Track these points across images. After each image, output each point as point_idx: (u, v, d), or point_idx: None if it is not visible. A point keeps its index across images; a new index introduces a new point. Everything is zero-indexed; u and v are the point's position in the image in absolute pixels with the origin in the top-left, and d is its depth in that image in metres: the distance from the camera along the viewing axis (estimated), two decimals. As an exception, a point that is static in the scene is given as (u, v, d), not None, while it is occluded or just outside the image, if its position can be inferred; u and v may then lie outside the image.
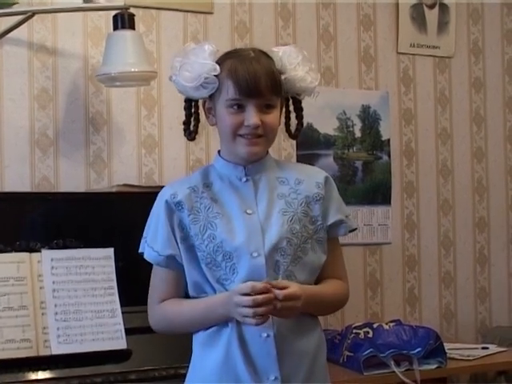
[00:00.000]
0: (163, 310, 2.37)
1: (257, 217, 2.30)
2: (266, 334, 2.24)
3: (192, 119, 2.41)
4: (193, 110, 2.41)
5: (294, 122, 2.44)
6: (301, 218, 2.31)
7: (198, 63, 2.30)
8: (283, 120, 2.40)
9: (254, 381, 2.24)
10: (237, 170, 2.34)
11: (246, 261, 2.26)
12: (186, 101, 2.42)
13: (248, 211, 2.31)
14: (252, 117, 2.25)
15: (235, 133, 2.28)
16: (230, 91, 2.27)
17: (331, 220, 2.35)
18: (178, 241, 2.32)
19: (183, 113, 3.47)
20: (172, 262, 2.34)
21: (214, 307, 2.26)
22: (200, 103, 2.40)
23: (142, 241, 2.40)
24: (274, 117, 2.29)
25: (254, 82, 2.26)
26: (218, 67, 2.28)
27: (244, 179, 2.34)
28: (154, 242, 2.35)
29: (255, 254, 2.26)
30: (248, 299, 2.14)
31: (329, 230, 2.36)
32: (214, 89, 2.30)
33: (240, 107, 2.27)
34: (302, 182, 2.35)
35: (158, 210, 2.36)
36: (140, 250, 2.40)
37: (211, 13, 3.61)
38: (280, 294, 2.15)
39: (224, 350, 2.27)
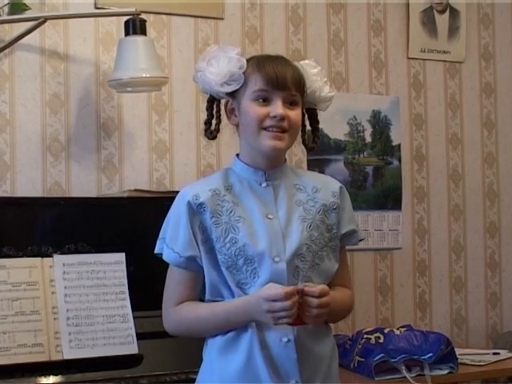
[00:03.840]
0: (179, 313, 2.36)
1: (278, 222, 2.31)
2: (286, 339, 2.24)
3: (214, 119, 2.42)
4: (215, 110, 2.41)
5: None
6: (318, 225, 2.33)
7: (226, 58, 2.31)
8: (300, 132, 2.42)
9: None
10: (257, 175, 2.35)
11: (267, 265, 2.26)
12: (208, 101, 2.42)
13: (269, 216, 2.31)
14: (278, 108, 2.26)
15: (260, 125, 2.28)
16: (258, 82, 2.28)
17: (345, 229, 2.37)
18: (199, 243, 2.31)
19: (194, 118, 3.53)
20: (192, 263, 2.32)
21: (236, 312, 2.26)
22: (222, 104, 2.40)
23: (159, 241, 2.39)
24: (298, 114, 2.31)
25: (282, 74, 2.28)
26: (245, 62, 2.31)
27: (264, 184, 2.35)
28: (175, 243, 2.33)
29: (277, 259, 2.26)
30: (283, 305, 2.13)
31: (342, 239, 2.38)
32: (239, 85, 2.31)
33: (265, 100, 2.28)
34: (318, 191, 2.37)
35: (178, 211, 2.34)
36: (157, 251, 2.40)
37: (222, 18, 3.62)
38: (315, 292, 2.16)
39: (245, 355, 2.27)
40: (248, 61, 2.34)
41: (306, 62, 2.41)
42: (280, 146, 2.30)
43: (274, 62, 2.33)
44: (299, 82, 2.31)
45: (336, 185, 2.41)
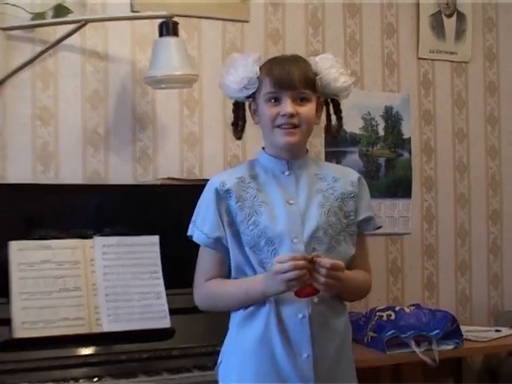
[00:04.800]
0: (208, 288, 2.40)
1: (297, 207, 2.33)
2: (301, 315, 2.26)
3: (239, 120, 2.47)
4: (240, 112, 2.46)
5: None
6: (336, 211, 2.34)
7: (242, 67, 2.36)
8: (324, 121, 2.44)
9: (288, 357, 2.26)
10: (280, 165, 2.38)
11: (286, 246, 2.28)
12: (234, 104, 2.46)
13: (290, 201, 2.34)
14: (287, 106, 2.29)
15: (273, 124, 2.32)
16: (267, 85, 2.32)
17: (362, 216, 2.38)
18: (225, 225, 2.35)
19: (222, 113, 3.56)
20: (219, 244, 2.37)
21: (254, 286, 2.28)
22: (246, 106, 2.44)
23: (191, 225, 2.43)
24: (309, 109, 2.32)
25: (288, 75, 2.31)
26: (257, 69, 2.34)
27: (287, 173, 2.38)
28: (203, 225, 2.38)
29: (295, 241, 2.29)
30: (290, 264, 2.14)
31: (359, 226, 2.39)
32: (255, 89, 2.35)
33: (276, 100, 2.32)
34: (338, 180, 2.38)
35: (207, 197, 2.39)
36: (189, 233, 2.43)
37: (247, 21, 3.63)
38: (327, 264, 2.16)
39: (262, 328, 2.29)
40: (263, 65, 2.37)
41: (322, 55, 2.41)
42: (293, 141, 2.33)
43: (283, 64, 2.35)
44: (308, 79, 2.32)
45: (355, 175, 2.43)
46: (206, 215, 2.39)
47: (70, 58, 3.32)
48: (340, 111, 2.45)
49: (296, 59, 2.40)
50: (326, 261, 2.17)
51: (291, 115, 2.29)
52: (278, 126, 2.32)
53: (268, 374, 2.29)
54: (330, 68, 2.37)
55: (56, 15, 3.22)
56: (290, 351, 2.27)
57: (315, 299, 2.26)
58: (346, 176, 2.41)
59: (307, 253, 2.25)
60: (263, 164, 2.41)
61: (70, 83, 3.32)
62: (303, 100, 2.32)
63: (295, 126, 2.31)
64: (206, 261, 2.42)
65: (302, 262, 2.15)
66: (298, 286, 2.19)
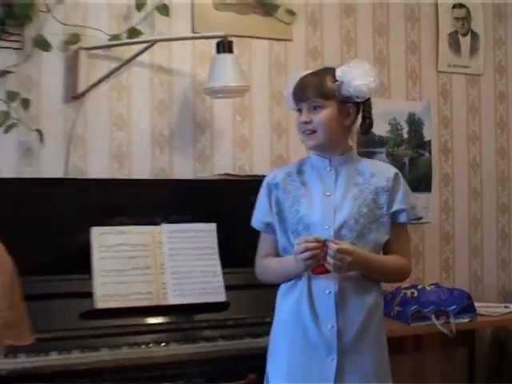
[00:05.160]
0: (263, 264, 2.45)
1: (333, 199, 2.32)
2: (328, 291, 2.26)
3: None
4: None
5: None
6: (369, 203, 2.31)
7: (290, 86, 2.40)
8: (359, 121, 2.41)
9: (315, 327, 2.26)
10: (324, 162, 2.38)
11: (319, 232, 2.27)
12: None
13: (327, 193, 2.33)
14: (302, 116, 2.33)
15: (300, 131, 2.35)
16: (293, 99, 2.37)
17: (395, 208, 2.32)
18: (274, 213, 2.38)
19: (269, 119, 3.60)
20: (269, 228, 2.41)
21: (289, 264, 2.30)
22: None
23: (253, 214, 2.47)
24: (322, 115, 2.29)
25: (301, 89, 2.33)
26: (291, 89, 2.38)
27: (328, 169, 2.37)
28: (258, 213, 2.43)
29: (326, 227, 2.28)
30: (303, 245, 2.18)
31: (392, 216, 2.34)
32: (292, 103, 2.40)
33: (300, 111, 2.34)
34: (374, 176, 2.35)
35: (262, 190, 2.43)
36: (252, 221, 2.47)
37: (290, 40, 3.61)
38: (333, 250, 2.16)
39: (295, 300, 2.31)
40: None
41: (350, 63, 2.34)
42: (312, 144, 2.34)
43: (301, 80, 2.37)
44: (320, 90, 2.29)
45: (391, 172, 2.37)
46: (260, 205, 2.44)
47: (140, 72, 3.33)
48: (368, 113, 2.40)
49: (315, 73, 2.40)
50: (333, 245, 2.17)
51: (305, 123, 2.31)
52: (303, 132, 2.34)
53: (298, 341, 2.30)
54: (349, 73, 2.31)
55: (129, 36, 3.25)
56: (317, 322, 2.27)
57: (330, 277, 2.25)
58: (382, 172, 2.37)
59: (336, 238, 2.24)
60: (312, 162, 2.42)
61: (141, 94, 3.33)
62: (316, 108, 2.30)
63: (312, 131, 2.32)
64: (262, 243, 2.46)
65: (312, 244, 2.17)
66: (312, 264, 2.20)
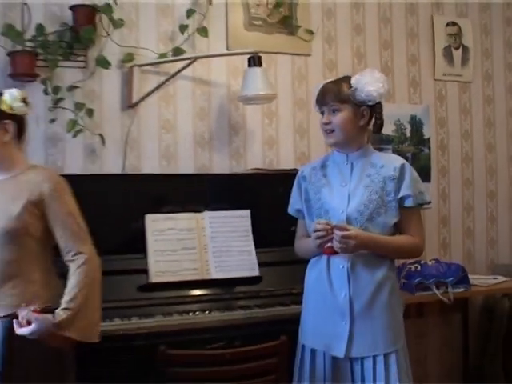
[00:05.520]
0: (298, 243, 2.48)
1: (347, 188, 2.33)
2: (342, 266, 2.28)
3: None
4: None
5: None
6: (378, 191, 2.29)
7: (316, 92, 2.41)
8: (372, 121, 2.38)
9: (332, 295, 2.29)
10: (342, 157, 2.38)
11: (336, 216, 2.29)
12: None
13: (343, 184, 2.35)
14: (323, 118, 2.33)
15: (322, 130, 2.35)
16: (316, 103, 2.38)
17: (401, 194, 2.28)
18: (303, 201, 2.42)
19: (292, 122, 3.58)
20: (300, 213, 2.45)
21: (310, 242, 2.32)
22: None
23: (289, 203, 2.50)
24: (339, 117, 2.29)
25: (322, 96, 2.34)
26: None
27: (346, 163, 2.37)
28: (292, 201, 2.47)
29: (341, 212, 2.29)
30: (315, 234, 2.23)
31: (400, 201, 2.29)
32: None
33: (322, 113, 2.35)
34: (384, 167, 2.32)
35: (295, 182, 2.47)
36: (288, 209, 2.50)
37: (310, 55, 3.60)
38: (338, 235, 2.18)
39: (318, 272, 2.34)
40: None
41: (364, 72, 2.33)
42: (331, 142, 2.34)
43: (322, 88, 2.37)
44: (337, 95, 2.29)
45: (398, 163, 2.31)
46: (292, 195, 2.48)
47: (184, 85, 3.34)
48: (379, 114, 2.37)
49: (334, 81, 2.39)
50: (338, 232, 2.18)
51: (326, 123, 2.32)
52: (324, 131, 2.35)
53: (320, 305, 2.33)
54: (361, 81, 2.30)
55: (174, 54, 3.26)
56: (333, 291, 2.29)
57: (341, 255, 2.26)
58: (391, 163, 2.32)
59: (349, 222, 2.25)
60: (333, 157, 2.42)
61: (184, 103, 3.34)
62: (335, 111, 2.30)
63: (331, 131, 2.32)
64: (298, 226, 2.50)
65: (320, 226, 2.21)
66: (320, 244, 2.23)
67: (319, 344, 2.30)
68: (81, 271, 2.11)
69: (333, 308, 2.27)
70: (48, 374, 2.09)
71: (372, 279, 2.28)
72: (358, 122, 2.31)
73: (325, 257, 2.29)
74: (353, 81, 2.31)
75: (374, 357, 2.24)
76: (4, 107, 2.14)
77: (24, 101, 2.18)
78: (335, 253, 2.23)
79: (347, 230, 2.18)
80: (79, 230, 2.16)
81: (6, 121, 2.15)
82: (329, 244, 2.22)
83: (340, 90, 2.30)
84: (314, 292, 2.35)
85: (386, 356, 2.24)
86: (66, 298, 2.08)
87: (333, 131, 2.31)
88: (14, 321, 2.02)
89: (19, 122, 2.20)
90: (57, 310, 2.05)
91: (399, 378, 2.23)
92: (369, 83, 2.28)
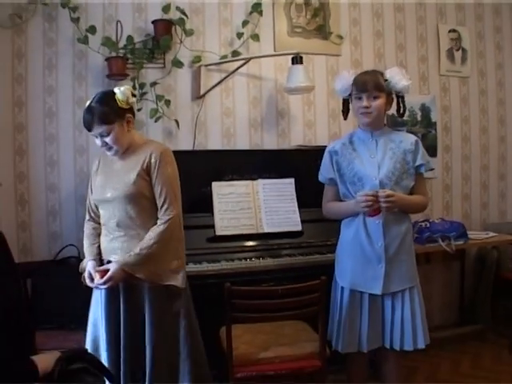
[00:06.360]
0: (328, 206, 2.34)
1: (376, 159, 2.24)
2: (377, 221, 2.19)
3: (346, 108, 2.34)
4: (345, 104, 2.34)
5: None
6: (400, 161, 2.23)
7: (344, 79, 2.28)
8: (396, 107, 2.31)
9: (370, 245, 2.20)
10: (367, 134, 2.28)
11: (369, 182, 2.21)
12: (342, 100, 2.36)
13: (372, 156, 2.25)
14: (364, 102, 2.20)
15: (358, 112, 2.23)
16: (354, 89, 2.23)
17: (417, 163, 2.25)
18: (335, 170, 2.28)
19: (326, 108, 3.42)
20: (332, 181, 2.31)
21: (350, 205, 2.22)
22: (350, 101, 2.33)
23: (319, 173, 2.36)
24: (378, 103, 2.20)
25: (363, 83, 2.20)
26: (351, 80, 2.25)
27: (371, 139, 2.28)
28: (324, 171, 2.33)
29: (374, 178, 2.20)
30: (363, 198, 2.12)
31: (416, 169, 2.26)
32: (350, 91, 2.26)
33: (359, 98, 2.21)
34: (402, 142, 2.26)
35: (326, 156, 2.33)
36: (319, 177, 2.37)
37: (340, 55, 3.46)
38: (383, 194, 2.10)
39: (355, 229, 2.24)
40: (354, 78, 2.26)
41: (392, 69, 2.28)
42: (368, 122, 2.23)
43: (363, 75, 2.24)
44: (377, 84, 2.19)
45: (413, 139, 2.28)
46: (324, 166, 2.33)
47: (240, 79, 3.24)
48: (404, 102, 2.31)
49: (372, 72, 2.27)
50: (383, 193, 2.10)
51: (366, 107, 2.20)
52: (361, 113, 2.22)
53: (358, 255, 2.24)
54: (395, 76, 2.24)
55: (233, 56, 3.16)
56: (371, 241, 2.21)
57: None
58: (407, 139, 2.28)
59: (380, 186, 2.18)
60: (358, 134, 2.31)
61: (241, 94, 3.25)
62: (375, 98, 2.19)
63: (369, 113, 2.20)
64: (326, 192, 2.36)
65: (370, 197, 2.11)
66: (368, 210, 2.13)
67: (358, 285, 2.24)
68: (162, 227, 2.04)
69: (370, 256, 2.21)
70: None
71: (399, 231, 2.23)
72: (386, 107, 2.25)
73: (360, 217, 2.22)
74: (387, 74, 2.24)
75: (402, 291, 2.23)
76: (124, 105, 2.03)
77: (133, 94, 2.09)
78: (377, 215, 2.16)
79: (386, 191, 2.13)
80: (172, 195, 2.07)
81: (128, 115, 2.07)
82: (374, 206, 2.12)
83: (379, 81, 2.21)
84: (352, 245, 2.25)
85: (410, 289, 2.24)
86: (142, 244, 2.01)
87: (370, 113, 2.21)
88: (96, 274, 2.01)
89: (133, 110, 2.11)
90: (131, 253, 2.01)
91: (420, 305, 2.24)
92: (401, 78, 2.23)
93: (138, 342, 2.01)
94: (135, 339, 2.01)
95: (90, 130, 2.02)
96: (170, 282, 2.04)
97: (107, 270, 1.99)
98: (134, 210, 2.04)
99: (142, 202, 2.04)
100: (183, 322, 2.07)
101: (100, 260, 2.10)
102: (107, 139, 2.02)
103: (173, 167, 2.10)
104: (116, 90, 2.04)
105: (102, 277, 1.99)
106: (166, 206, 2.04)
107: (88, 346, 2.08)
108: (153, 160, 2.05)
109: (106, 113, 1.98)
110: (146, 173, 2.05)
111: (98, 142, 2.04)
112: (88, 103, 2.03)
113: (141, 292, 2.03)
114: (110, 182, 2.09)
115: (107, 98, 2.02)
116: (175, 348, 2.06)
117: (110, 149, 2.06)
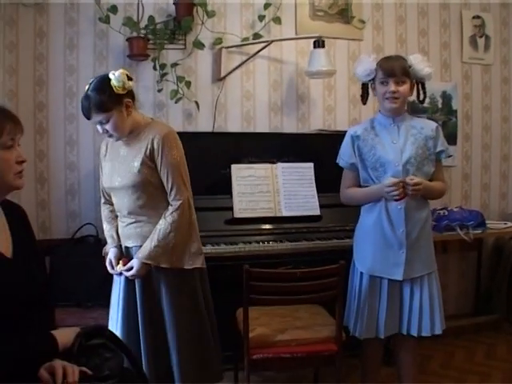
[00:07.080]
0: (347, 192, 2.30)
1: (398, 145, 2.20)
2: (399, 207, 2.15)
3: (365, 93, 2.29)
4: (365, 89, 2.29)
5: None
6: (422, 146, 2.20)
7: (366, 63, 2.23)
8: (415, 94, 2.27)
9: (391, 231, 2.16)
10: (388, 120, 2.23)
11: (391, 168, 2.17)
12: (362, 85, 2.31)
13: (394, 141, 2.21)
14: (391, 87, 2.15)
15: (383, 97, 2.18)
16: (380, 74, 2.18)
17: (438, 149, 2.23)
18: (356, 155, 2.24)
19: (347, 93, 3.35)
20: (352, 166, 2.26)
21: (374, 191, 2.19)
22: (369, 86, 2.28)
23: (338, 157, 2.31)
24: (404, 88, 2.16)
25: (391, 67, 2.16)
26: (374, 64, 2.20)
27: (392, 125, 2.23)
28: (345, 156, 2.28)
29: (397, 164, 2.16)
30: (391, 188, 2.08)
31: (436, 155, 2.23)
32: (373, 75, 2.21)
33: (385, 83, 2.16)
34: (423, 128, 2.23)
35: (346, 140, 2.28)
36: (337, 161, 2.31)
37: (362, 40, 3.38)
38: (411, 182, 2.07)
39: (377, 215, 2.20)
40: (378, 62, 2.21)
41: (415, 55, 2.24)
42: (395, 107, 2.18)
43: (389, 60, 2.19)
44: (403, 70, 2.15)
45: (434, 125, 2.26)
46: (345, 151, 2.28)
47: (261, 62, 3.18)
48: (425, 89, 2.27)
49: (397, 58, 2.22)
50: (410, 181, 2.08)
51: (393, 92, 2.14)
52: (387, 98, 2.17)
53: (379, 241, 2.20)
54: (419, 63, 2.20)
55: (254, 38, 3.10)
56: (393, 227, 2.17)
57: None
58: (428, 125, 2.26)
59: (403, 171, 2.15)
60: (379, 120, 2.26)
61: (261, 77, 3.19)
62: (400, 83, 2.15)
63: (396, 98, 2.15)
64: (346, 177, 2.31)
65: (395, 186, 2.08)
66: (395, 197, 2.09)
67: (378, 271, 2.21)
68: (175, 215, 2.01)
69: (392, 241, 2.18)
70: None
71: (420, 217, 2.20)
72: (410, 93, 2.22)
73: (382, 202, 2.18)
74: (412, 61, 2.20)
75: (421, 277, 2.21)
76: (120, 90, 1.95)
77: (129, 77, 2.00)
78: (403, 198, 2.12)
79: (414, 179, 2.10)
80: (179, 179, 2.03)
81: (126, 99, 2.00)
82: (400, 192, 2.10)
83: (405, 67, 2.18)
84: (373, 231, 2.21)
85: (428, 275, 2.22)
86: (159, 235, 2.00)
87: (397, 98, 2.17)
88: (122, 269, 2.03)
89: (131, 93, 2.04)
90: (150, 246, 2.00)
91: (438, 290, 2.24)
92: (424, 65, 2.20)
93: (157, 327, 2.03)
94: (154, 326, 2.03)
95: (88, 118, 1.97)
96: (195, 265, 2.04)
97: (131, 259, 2.02)
98: (143, 198, 2.02)
99: (149, 189, 2.01)
100: (200, 300, 2.07)
101: (120, 246, 2.11)
102: (107, 126, 1.97)
103: (178, 150, 2.04)
104: (111, 75, 1.96)
105: (124, 264, 2.01)
106: (174, 191, 2.01)
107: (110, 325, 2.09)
108: (155, 146, 1.99)
109: (103, 101, 1.92)
110: (149, 159, 2.00)
111: (99, 129, 2.00)
112: (85, 91, 1.97)
113: (156, 278, 2.04)
114: (116, 169, 2.06)
115: (103, 85, 1.94)
116: (196, 323, 2.06)
117: (111, 135, 2.01)
